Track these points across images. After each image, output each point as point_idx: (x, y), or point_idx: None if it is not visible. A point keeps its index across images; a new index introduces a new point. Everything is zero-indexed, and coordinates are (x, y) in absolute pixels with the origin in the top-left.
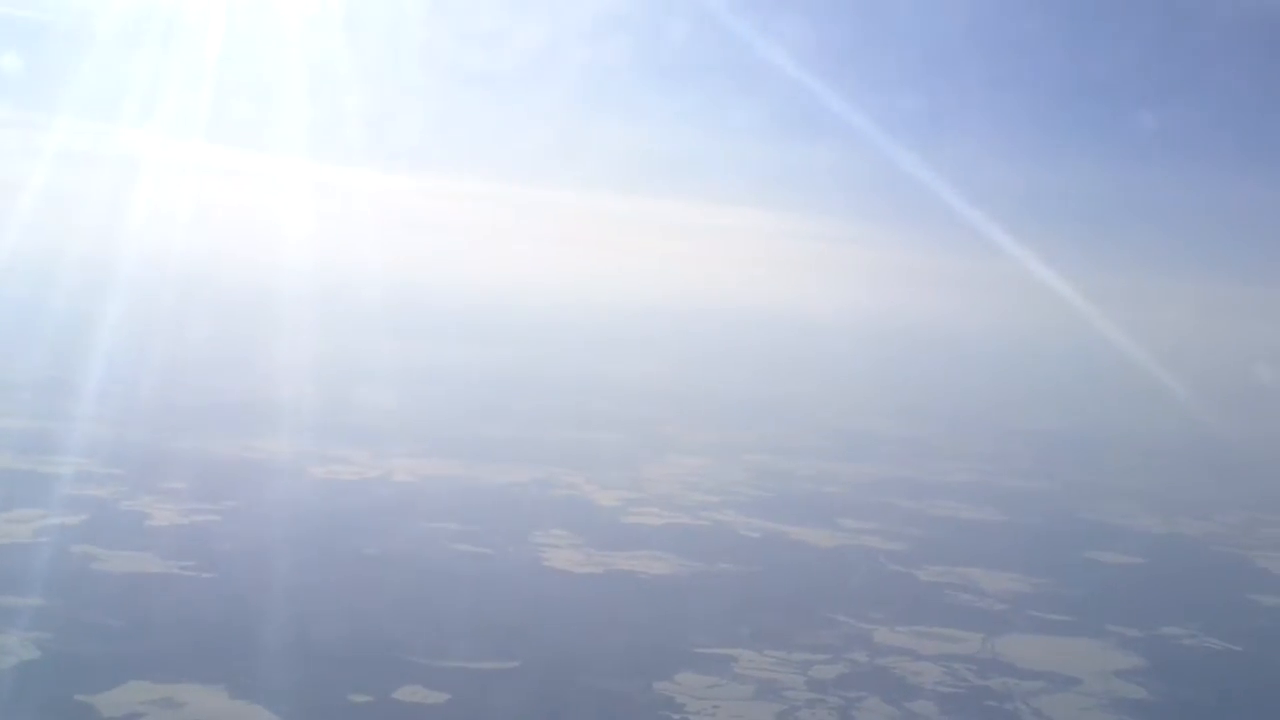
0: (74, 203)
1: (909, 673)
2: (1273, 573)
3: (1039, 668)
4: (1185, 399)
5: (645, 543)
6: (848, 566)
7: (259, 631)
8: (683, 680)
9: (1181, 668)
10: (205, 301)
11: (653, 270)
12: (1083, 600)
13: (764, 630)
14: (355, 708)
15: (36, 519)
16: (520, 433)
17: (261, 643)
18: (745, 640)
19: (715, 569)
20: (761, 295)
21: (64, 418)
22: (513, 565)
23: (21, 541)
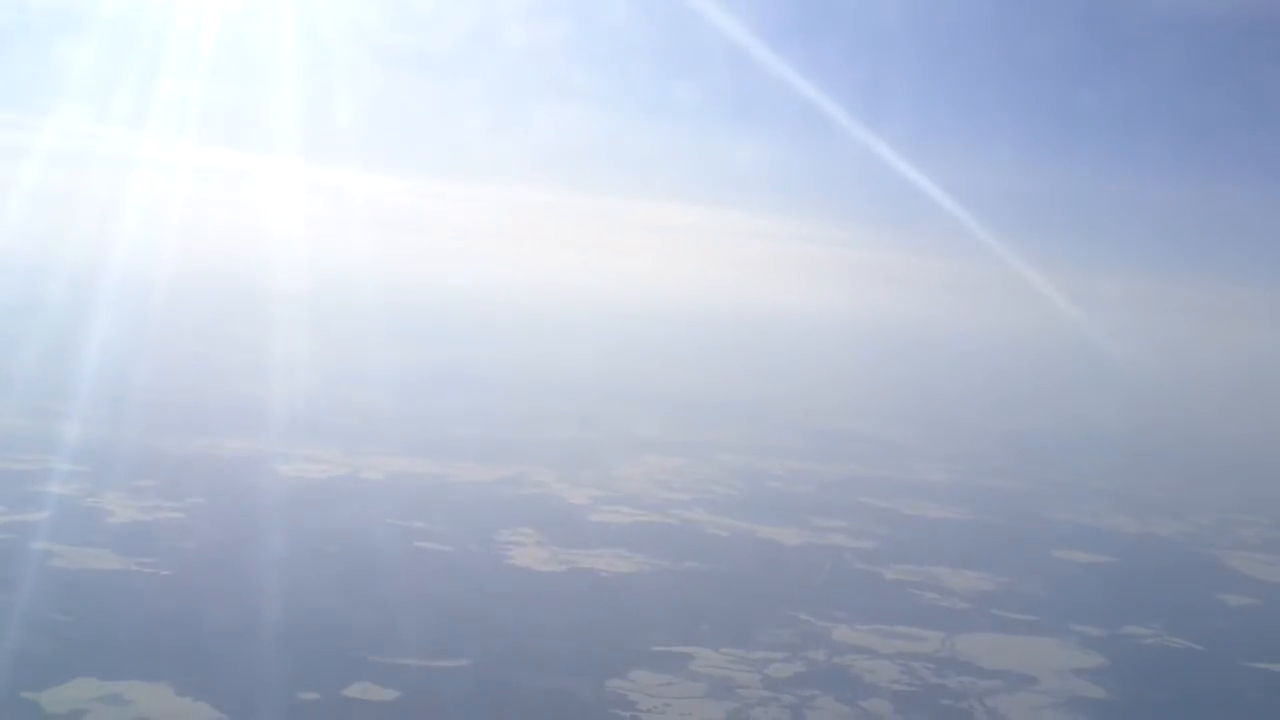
0: (65, 203)
1: (866, 671)
2: (1242, 573)
3: (998, 666)
4: (1169, 400)
5: (611, 541)
6: (813, 565)
7: (211, 629)
8: (636, 678)
9: (1142, 667)
10: (194, 301)
11: (637, 271)
12: (1047, 599)
13: (723, 628)
14: (303, 705)
15: None
16: (495, 432)
17: (213, 640)
18: (703, 638)
19: (680, 567)
20: (745, 296)
21: (41, 416)
22: (475, 563)
23: None
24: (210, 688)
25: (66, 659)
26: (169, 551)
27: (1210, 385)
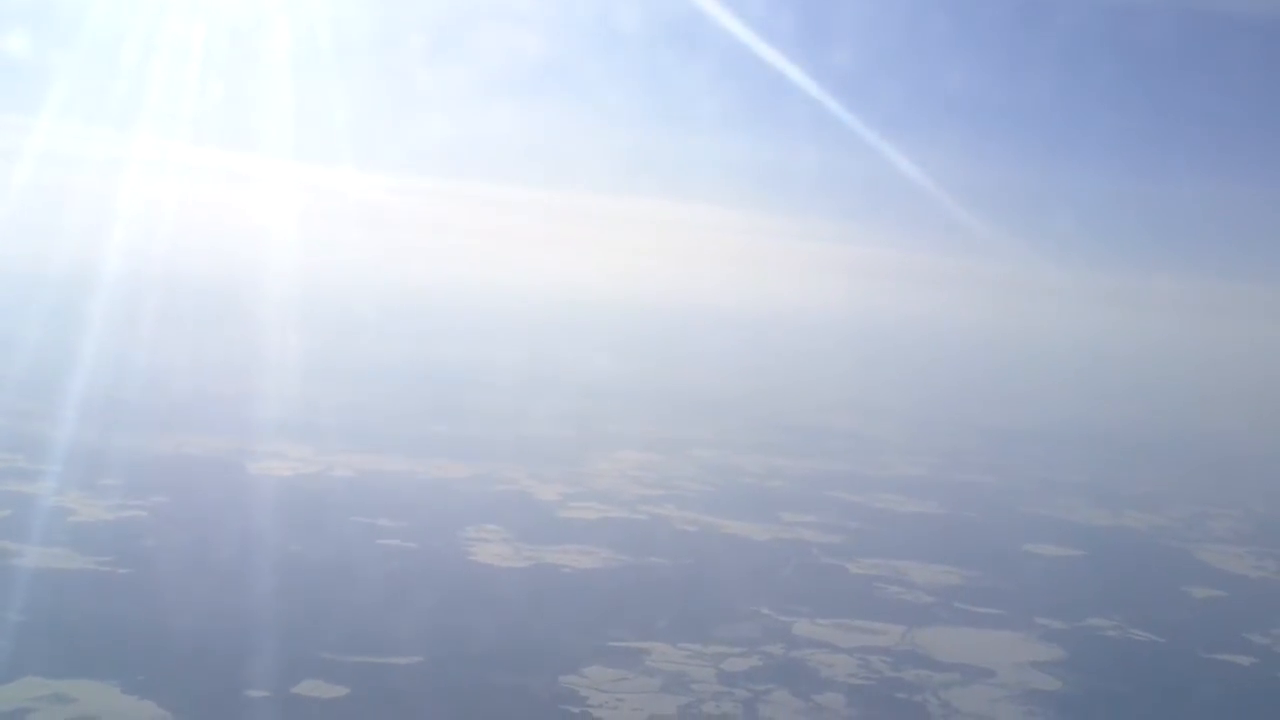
0: (55, 205)
1: (823, 665)
2: (1211, 566)
3: (956, 660)
4: (1151, 396)
5: (578, 537)
6: (779, 560)
7: (165, 628)
8: (590, 674)
9: (1100, 659)
10: (185, 302)
11: (628, 268)
12: (1013, 593)
13: (682, 623)
14: (251, 702)
15: None
16: (471, 429)
17: (166, 639)
18: (661, 633)
19: (644, 563)
20: (734, 293)
21: (14, 415)
22: (437, 560)
23: None
24: (158, 686)
25: (16, 658)
26: (129, 551)
27: (1194, 381)
